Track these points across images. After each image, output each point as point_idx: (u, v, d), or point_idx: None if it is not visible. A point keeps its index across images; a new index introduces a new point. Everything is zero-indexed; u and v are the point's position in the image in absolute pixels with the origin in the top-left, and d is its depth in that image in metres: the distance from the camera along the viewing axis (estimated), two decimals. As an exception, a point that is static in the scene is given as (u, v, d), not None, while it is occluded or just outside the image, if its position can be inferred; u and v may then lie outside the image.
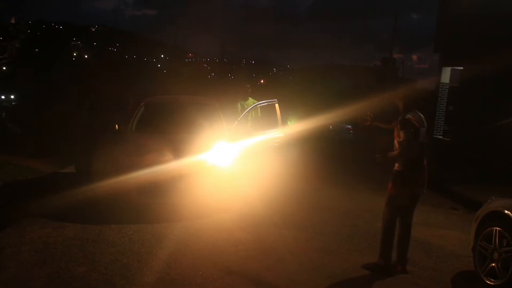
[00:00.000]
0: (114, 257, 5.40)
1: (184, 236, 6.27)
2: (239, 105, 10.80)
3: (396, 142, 5.38)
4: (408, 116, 5.34)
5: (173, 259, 5.43)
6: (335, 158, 17.16)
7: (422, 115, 5.46)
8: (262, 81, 79.97)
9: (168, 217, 6.98)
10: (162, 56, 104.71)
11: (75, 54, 72.93)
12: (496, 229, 5.10)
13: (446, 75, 17.78)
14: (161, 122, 8.90)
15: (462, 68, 16.43)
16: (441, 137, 16.67)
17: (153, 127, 8.69)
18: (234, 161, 8.00)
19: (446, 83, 17.73)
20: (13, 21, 12.63)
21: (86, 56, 78.34)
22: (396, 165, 5.38)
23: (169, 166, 7.27)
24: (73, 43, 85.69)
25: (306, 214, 7.92)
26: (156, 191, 7.23)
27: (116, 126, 8.89)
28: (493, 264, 5.02)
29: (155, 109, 9.65)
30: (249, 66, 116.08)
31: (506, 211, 5.02)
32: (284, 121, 10.60)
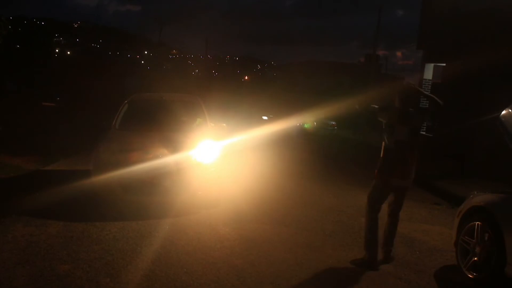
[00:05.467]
0: (98, 254, 5.37)
1: (168, 233, 6.25)
2: None
3: None
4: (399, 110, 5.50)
5: (158, 256, 5.41)
6: (319, 154, 17.26)
7: (411, 112, 5.52)
8: (246, 78, 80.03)
9: (153, 214, 6.96)
10: (146, 52, 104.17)
11: (57, 50, 72.16)
12: (478, 224, 5.18)
13: (429, 71, 17.97)
14: (145, 120, 8.86)
15: (444, 64, 16.60)
16: (424, 133, 16.83)
17: (137, 125, 8.63)
18: (218, 159, 8.00)
19: (429, 80, 17.91)
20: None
21: (68, 53, 77.64)
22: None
23: (153, 164, 7.24)
24: (55, 39, 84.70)
25: (290, 210, 7.96)
26: (141, 188, 7.20)
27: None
28: (475, 258, 5.10)
29: (139, 107, 9.60)
30: (233, 62, 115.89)
31: (487, 206, 5.09)
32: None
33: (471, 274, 5.09)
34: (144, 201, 7.27)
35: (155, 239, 6.02)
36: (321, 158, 15.99)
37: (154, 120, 8.75)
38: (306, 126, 31.01)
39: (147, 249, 5.63)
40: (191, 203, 7.38)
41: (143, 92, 13.77)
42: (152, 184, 7.21)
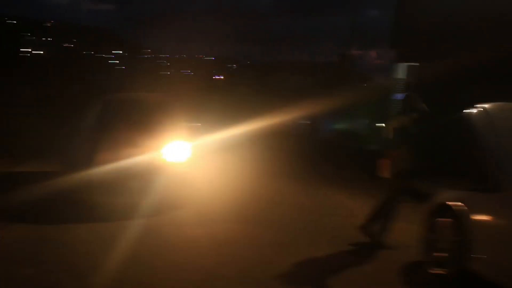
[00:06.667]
0: (65, 257, 5.29)
1: (138, 234, 6.19)
2: None
3: None
4: None
5: (127, 257, 5.35)
6: (291, 153, 17.28)
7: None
8: (222, 77, 79.77)
9: (122, 215, 6.89)
10: (120, 52, 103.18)
11: (29, 50, 70.89)
12: (442, 220, 5.26)
13: (402, 71, 18.12)
14: (118, 120, 8.75)
15: (417, 64, 16.77)
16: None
17: (109, 125, 8.51)
18: (191, 158, 7.96)
19: (402, 79, 18.06)
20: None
21: (41, 52, 76.34)
22: None
23: (124, 164, 7.17)
24: (27, 38, 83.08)
25: (260, 209, 7.96)
26: (111, 189, 7.12)
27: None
28: (440, 254, 5.18)
29: (112, 107, 9.47)
30: (209, 62, 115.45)
31: (451, 203, 5.18)
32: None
33: (436, 270, 5.17)
34: (113, 202, 7.18)
35: (124, 240, 5.95)
36: (295, 157, 16.00)
37: (127, 120, 8.65)
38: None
39: (116, 251, 5.55)
40: (161, 204, 7.32)
41: (117, 92, 13.65)
42: (122, 184, 7.14)
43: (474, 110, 5.38)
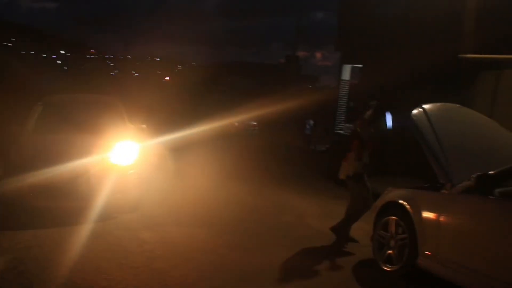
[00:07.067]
0: (11, 264, 5.09)
1: (86, 239, 6.04)
2: None
3: None
4: None
5: (75, 263, 5.20)
6: (242, 153, 17.32)
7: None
8: (167, 78, 79.09)
9: (69, 220, 6.68)
10: (63, 52, 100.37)
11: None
12: (392, 218, 5.41)
13: (346, 72, 18.48)
14: (60, 122, 8.49)
15: (361, 66, 17.16)
16: (342, 132, 17.29)
17: (51, 127, 8.25)
18: (138, 161, 7.82)
19: (347, 80, 18.42)
20: None
21: (-24, 52, 73.22)
22: None
23: (68, 168, 6.96)
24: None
25: (213, 211, 7.93)
26: (55, 194, 6.89)
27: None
28: (390, 251, 5.34)
29: (54, 109, 9.18)
30: (154, 62, 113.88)
31: (400, 201, 5.34)
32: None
33: (387, 267, 5.32)
34: (59, 207, 6.96)
35: (72, 245, 5.78)
36: (246, 157, 16.04)
37: (70, 122, 8.40)
38: None
39: (63, 257, 5.40)
40: (109, 207, 7.13)
41: (59, 93, 13.25)
42: (67, 189, 6.93)
43: (415, 111, 5.58)
